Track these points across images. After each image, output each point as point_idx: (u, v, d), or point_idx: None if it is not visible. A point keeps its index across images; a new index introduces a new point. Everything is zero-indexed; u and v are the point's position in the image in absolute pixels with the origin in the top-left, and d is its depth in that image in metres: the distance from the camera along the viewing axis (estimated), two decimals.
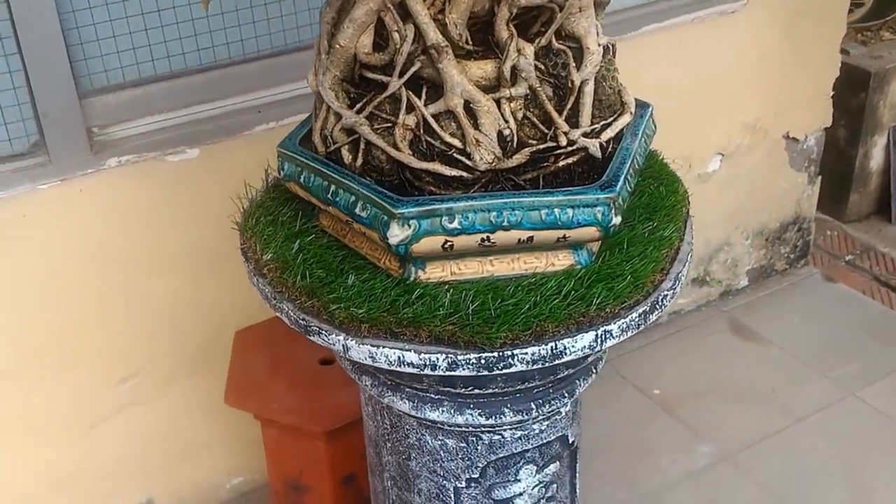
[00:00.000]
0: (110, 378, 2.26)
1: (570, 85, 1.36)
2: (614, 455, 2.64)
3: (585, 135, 1.36)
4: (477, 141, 1.30)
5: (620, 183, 1.31)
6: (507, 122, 1.32)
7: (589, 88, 1.37)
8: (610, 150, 1.39)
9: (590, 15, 1.37)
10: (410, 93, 1.32)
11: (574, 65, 1.35)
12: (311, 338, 1.34)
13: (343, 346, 1.31)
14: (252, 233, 1.46)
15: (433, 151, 1.33)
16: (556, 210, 1.28)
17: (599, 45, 1.38)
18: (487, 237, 1.28)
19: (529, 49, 1.33)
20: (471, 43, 1.34)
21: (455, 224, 1.27)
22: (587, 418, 2.82)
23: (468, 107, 1.31)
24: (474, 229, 1.27)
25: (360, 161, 1.35)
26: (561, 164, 1.35)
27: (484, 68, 1.33)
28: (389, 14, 1.29)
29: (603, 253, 1.38)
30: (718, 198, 3.00)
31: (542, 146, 1.34)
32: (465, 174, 1.32)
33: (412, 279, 1.33)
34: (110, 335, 2.22)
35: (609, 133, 1.39)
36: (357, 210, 1.31)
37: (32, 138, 2.04)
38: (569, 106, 1.36)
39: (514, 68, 1.32)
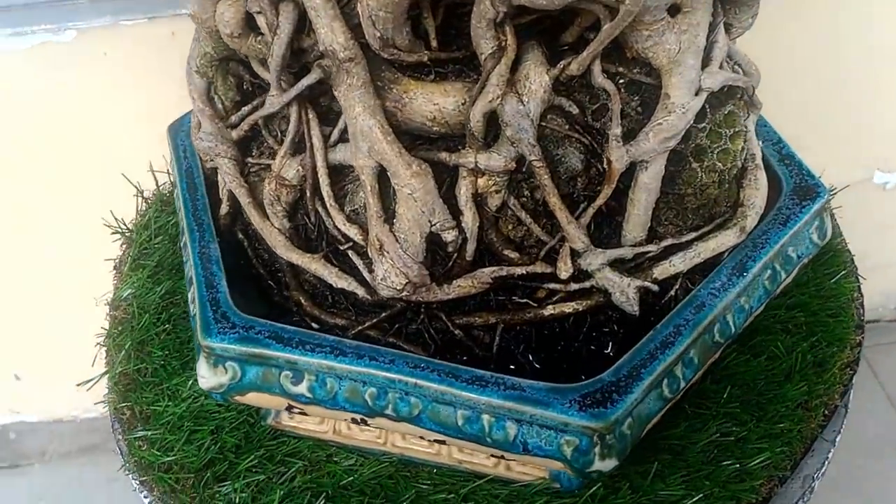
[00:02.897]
0: None
1: (607, 165, 0.68)
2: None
3: (618, 263, 0.69)
4: (380, 245, 0.68)
5: (637, 394, 0.65)
6: (460, 213, 0.69)
7: (648, 176, 0.68)
8: (673, 294, 0.71)
9: (690, 27, 0.65)
10: (312, 117, 0.71)
11: (618, 128, 0.66)
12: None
13: (141, 496, 0.82)
14: (135, 242, 0.96)
15: (324, 234, 0.73)
16: (484, 417, 0.66)
17: (703, 89, 0.67)
18: (362, 419, 0.70)
19: (539, 80, 0.66)
20: (433, 44, 0.69)
21: (302, 389, 0.69)
22: None
23: (385, 174, 0.69)
24: (336, 405, 0.69)
25: (225, 209, 0.79)
26: (549, 312, 0.70)
27: (442, 101, 0.68)
28: None
29: (613, 476, 0.74)
30: None
31: (518, 270, 0.69)
32: (360, 291, 0.72)
33: (269, 422, 0.79)
34: None
35: (676, 266, 0.70)
36: (190, 295, 0.77)
37: None
38: (599, 202, 0.69)
39: (491, 115, 0.67)
